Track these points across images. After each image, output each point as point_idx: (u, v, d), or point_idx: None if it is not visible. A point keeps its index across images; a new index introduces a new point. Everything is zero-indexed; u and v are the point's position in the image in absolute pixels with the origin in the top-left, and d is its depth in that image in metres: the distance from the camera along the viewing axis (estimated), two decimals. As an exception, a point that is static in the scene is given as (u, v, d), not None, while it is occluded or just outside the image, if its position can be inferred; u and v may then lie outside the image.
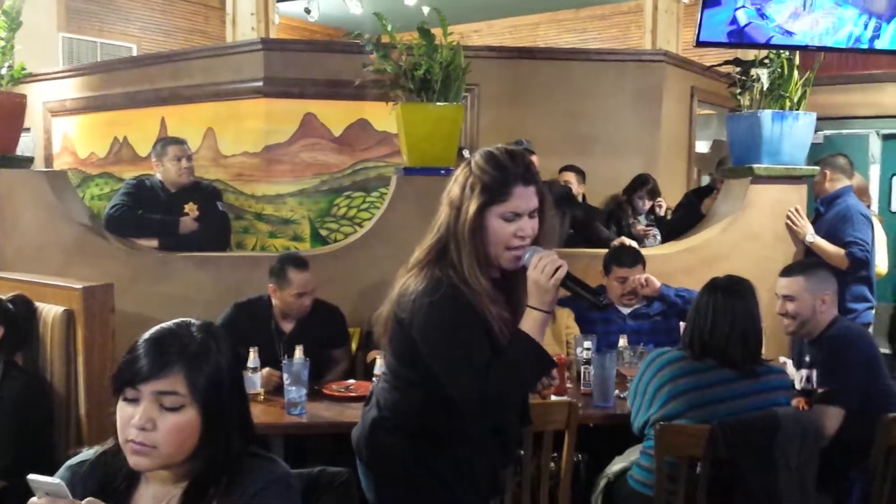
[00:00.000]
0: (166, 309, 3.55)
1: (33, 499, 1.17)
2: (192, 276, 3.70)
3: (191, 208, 4.02)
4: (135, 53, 7.60)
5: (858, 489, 2.64)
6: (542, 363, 1.79)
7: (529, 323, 1.77)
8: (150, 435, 1.37)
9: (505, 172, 1.79)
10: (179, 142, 4.12)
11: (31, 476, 1.18)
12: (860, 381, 2.74)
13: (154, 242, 3.87)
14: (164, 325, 1.46)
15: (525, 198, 1.79)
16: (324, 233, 5.12)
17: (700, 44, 3.81)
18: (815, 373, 2.82)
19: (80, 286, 2.68)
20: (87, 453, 1.50)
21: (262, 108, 5.11)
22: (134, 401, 1.39)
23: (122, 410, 1.40)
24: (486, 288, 1.78)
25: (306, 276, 3.30)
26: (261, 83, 5.03)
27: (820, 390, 2.77)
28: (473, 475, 1.90)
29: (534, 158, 4.59)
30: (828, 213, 4.17)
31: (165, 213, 3.99)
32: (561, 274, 1.74)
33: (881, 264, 4.56)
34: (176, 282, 3.67)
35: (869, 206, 4.47)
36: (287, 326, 3.38)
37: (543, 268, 1.74)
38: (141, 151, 5.50)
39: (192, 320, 1.49)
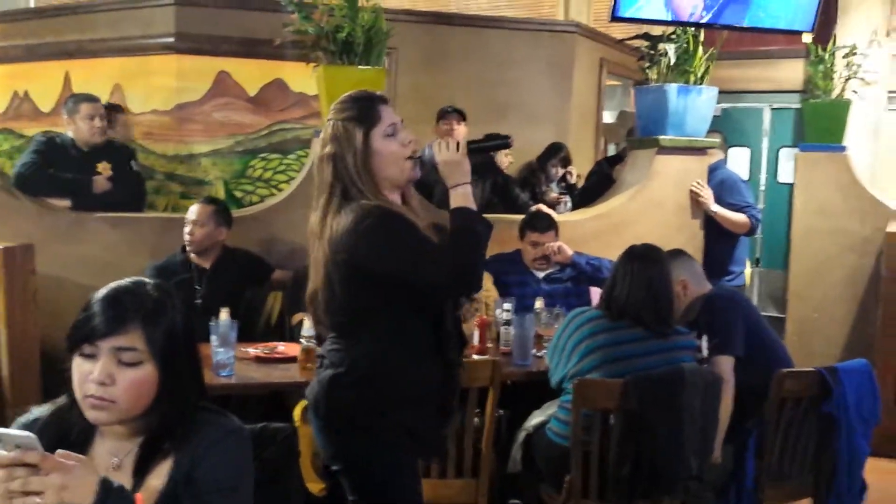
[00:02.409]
0: (81, 270, 3.49)
1: (1, 452, 1.16)
2: (109, 237, 3.62)
3: (104, 168, 3.91)
4: (32, 4, 7.20)
5: (754, 439, 2.86)
6: (485, 222, 1.97)
7: (459, 199, 1.95)
8: (109, 390, 1.39)
9: (364, 100, 1.99)
10: (92, 99, 3.99)
11: (0, 430, 1.19)
12: (740, 330, 2.96)
13: (66, 202, 3.75)
14: (118, 283, 1.48)
15: (392, 113, 1.98)
16: (238, 195, 5.06)
17: (615, 19, 3.95)
18: (704, 340, 3.03)
19: (0, 246, 2.61)
20: (40, 410, 1.50)
21: (173, 64, 4.98)
22: (91, 356, 1.41)
23: (80, 366, 1.41)
24: (398, 204, 1.97)
25: (197, 207, 3.53)
26: (172, 39, 4.90)
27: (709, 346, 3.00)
28: (425, 425, 2.03)
29: (463, 126, 4.68)
30: (709, 182, 4.42)
31: (78, 172, 3.87)
32: (464, 143, 1.96)
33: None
34: (91, 243, 3.58)
35: None
36: (205, 263, 3.54)
37: (448, 147, 1.95)
38: (43, 107, 5.27)
39: (146, 279, 1.52)
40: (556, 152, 5.21)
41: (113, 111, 4.64)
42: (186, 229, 3.49)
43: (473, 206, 1.95)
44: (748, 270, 5.16)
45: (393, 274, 1.91)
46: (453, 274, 1.90)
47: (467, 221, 1.93)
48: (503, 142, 2.17)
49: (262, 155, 5.09)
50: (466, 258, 1.92)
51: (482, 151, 2.01)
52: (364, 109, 1.95)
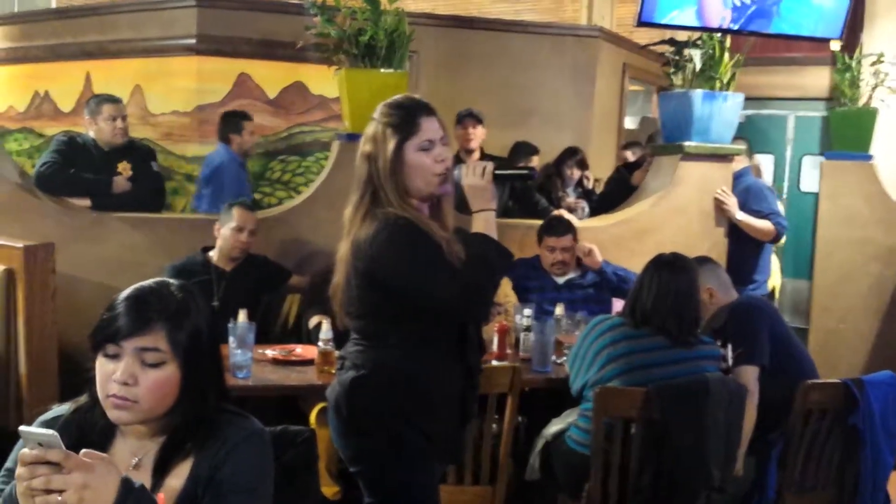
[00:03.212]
0: (101, 270, 3.50)
1: (24, 449, 1.16)
2: (128, 237, 3.62)
3: (124, 168, 3.91)
4: (54, 4, 7.26)
5: (777, 450, 2.82)
6: (504, 252, 1.97)
7: (481, 223, 1.97)
8: (132, 390, 1.39)
9: (408, 109, 1.97)
10: (115, 100, 3.98)
11: (23, 427, 1.18)
12: (766, 340, 2.91)
13: (86, 202, 3.75)
14: (142, 284, 1.47)
15: (433, 127, 1.97)
16: (258, 196, 5.07)
17: (642, 24, 3.92)
18: (729, 349, 2.99)
19: (22, 245, 2.60)
20: (61, 408, 1.50)
21: (194, 66, 5.01)
22: (115, 356, 1.40)
23: (103, 366, 1.41)
24: (424, 215, 1.97)
25: (246, 214, 3.51)
26: (193, 40, 4.93)
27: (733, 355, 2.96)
28: (444, 429, 2.03)
29: (480, 129, 4.64)
30: (734, 189, 4.37)
31: (98, 172, 3.87)
32: (490, 169, 1.97)
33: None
34: (111, 242, 3.59)
35: None
36: (226, 266, 3.53)
37: (475, 171, 1.96)
38: (64, 107, 5.31)
39: (170, 280, 1.51)
40: (571, 155, 5.16)
41: (242, 119, 4.63)
42: (241, 237, 3.46)
43: (494, 233, 1.96)
44: (778, 281, 5.08)
45: (403, 287, 1.91)
46: (461, 297, 1.89)
47: (484, 249, 1.93)
48: (528, 173, 2.27)
49: (282, 157, 5.10)
50: (477, 284, 1.92)
51: (506, 180, 2.03)
52: (404, 118, 1.95)
